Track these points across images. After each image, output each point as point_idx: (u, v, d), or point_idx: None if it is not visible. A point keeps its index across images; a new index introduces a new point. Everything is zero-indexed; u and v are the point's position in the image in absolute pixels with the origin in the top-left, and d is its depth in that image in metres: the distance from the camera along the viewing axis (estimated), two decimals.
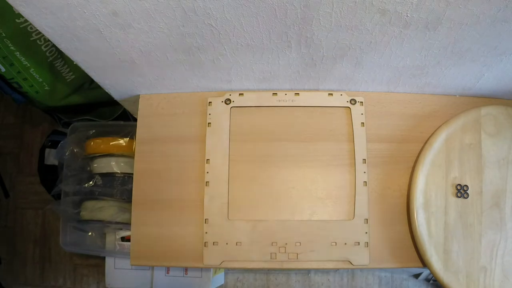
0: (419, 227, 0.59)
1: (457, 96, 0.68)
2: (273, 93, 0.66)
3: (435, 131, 0.64)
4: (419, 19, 0.46)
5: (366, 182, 0.63)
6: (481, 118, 0.63)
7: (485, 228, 0.60)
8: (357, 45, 0.53)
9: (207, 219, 0.62)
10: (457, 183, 0.61)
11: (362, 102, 0.66)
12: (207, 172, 0.64)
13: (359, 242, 0.61)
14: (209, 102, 0.66)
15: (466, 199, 0.61)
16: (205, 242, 0.62)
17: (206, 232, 0.62)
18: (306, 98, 0.66)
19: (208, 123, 0.66)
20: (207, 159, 0.64)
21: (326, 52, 0.55)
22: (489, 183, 0.61)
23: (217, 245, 0.62)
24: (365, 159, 0.64)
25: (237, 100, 0.66)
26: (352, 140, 0.64)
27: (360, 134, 0.65)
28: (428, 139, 0.63)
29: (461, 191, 0.61)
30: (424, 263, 0.60)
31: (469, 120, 0.63)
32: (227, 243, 0.62)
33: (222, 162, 0.64)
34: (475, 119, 0.63)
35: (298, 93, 0.66)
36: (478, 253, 0.60)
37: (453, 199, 0.61)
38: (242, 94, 0.66)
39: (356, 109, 0.65)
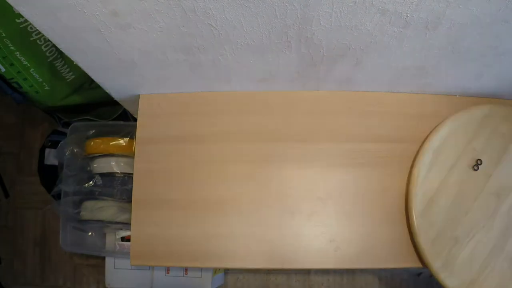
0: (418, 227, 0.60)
1: (457, 96, 0.68)
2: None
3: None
4: (419, 19, 0.46)
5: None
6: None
7: (476, 208, 0.61)
8: (357, 45, 0.53)
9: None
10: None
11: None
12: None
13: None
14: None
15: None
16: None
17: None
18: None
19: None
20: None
21: (326, 52, 0.55)
22: (503, 174, 0.62)
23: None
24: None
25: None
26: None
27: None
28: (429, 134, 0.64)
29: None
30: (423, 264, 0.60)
31: None
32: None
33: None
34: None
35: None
36: (457, 222, 0.60)
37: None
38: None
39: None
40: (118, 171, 0.87)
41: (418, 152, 0.64)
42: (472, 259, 0.60)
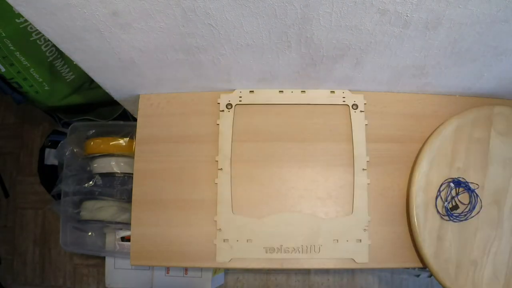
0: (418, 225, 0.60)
1: (457, 96, 0.68)
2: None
3: (443, 123, 0.64)
4: (419, 19, 0.46)
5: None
6: (493, 116, 0.63)
7: (482, 223, 0.60)
8: (357, 45, 0.53)
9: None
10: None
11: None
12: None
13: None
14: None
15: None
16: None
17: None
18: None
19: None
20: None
21: (326, 52, 0.55)
22: (491, 180, 0.61)
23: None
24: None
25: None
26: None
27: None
28: (431, 135, 0.63)
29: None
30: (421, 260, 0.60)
31: (480, 116, 0.63)
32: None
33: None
34: (486, 116, 0.63)
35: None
36: (471, 246, 0.60)
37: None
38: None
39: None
40: (118, 171, 0.88)
41: (418, 152, 0.64)
42: (497, 273, 0.59)
